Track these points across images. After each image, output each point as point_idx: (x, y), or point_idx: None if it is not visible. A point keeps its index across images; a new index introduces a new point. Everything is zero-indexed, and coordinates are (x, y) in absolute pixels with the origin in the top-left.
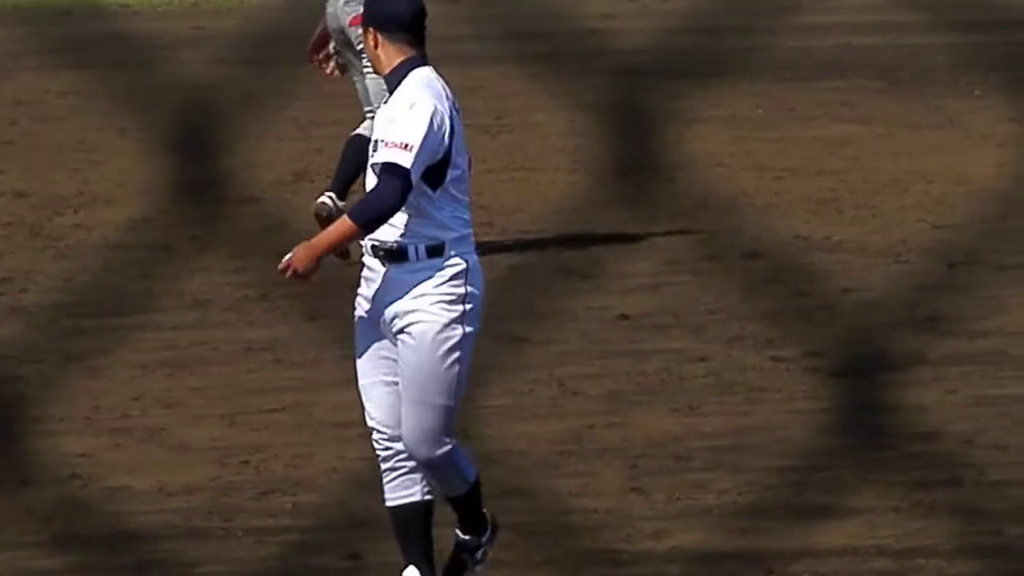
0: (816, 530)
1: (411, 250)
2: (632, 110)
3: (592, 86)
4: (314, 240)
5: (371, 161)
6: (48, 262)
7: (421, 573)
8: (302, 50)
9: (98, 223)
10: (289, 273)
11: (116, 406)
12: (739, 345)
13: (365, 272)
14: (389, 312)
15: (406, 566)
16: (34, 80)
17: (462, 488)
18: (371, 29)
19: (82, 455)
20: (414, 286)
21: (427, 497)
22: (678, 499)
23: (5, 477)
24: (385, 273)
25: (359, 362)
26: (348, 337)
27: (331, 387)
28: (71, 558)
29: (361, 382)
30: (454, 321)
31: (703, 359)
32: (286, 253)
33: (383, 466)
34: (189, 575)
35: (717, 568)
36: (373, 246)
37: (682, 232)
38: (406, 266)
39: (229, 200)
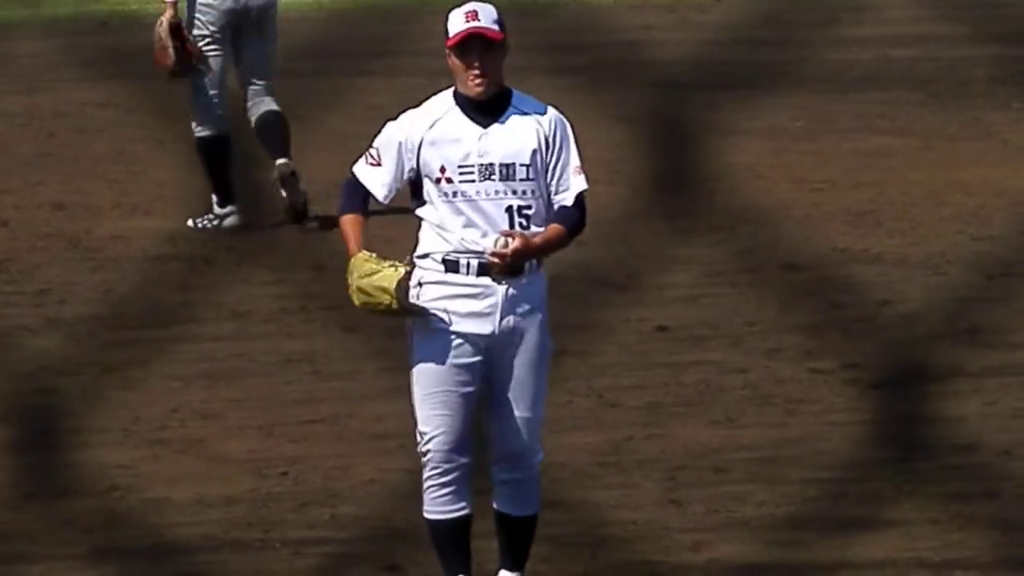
0: (854, 542)
1: (526, 264)
2: (670, 122)
3: (630, 98)
4: (534, 239)
5: (564, 190)
6: (87, 273)
7: None
8: (340, 63)
9: (137, 234)
10: (504, 260)
11: (154, 418)
12: (777, 357)
13: (455, 289)
14: (503, 325)
15: None
16: (72, 92)
17: (535, 506)
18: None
19: (121, 467)
20: (527, 299)
21: (470, 512)
22: (716, 511)
23: (44, 488)
24: (498, 288)
25: (432, 376)
26: (387, 349)
27: (369, 399)
28: (110, 570)
29: (429, 397)
30: (549, 330)
31: (741, 371)
32: (324, 265)
33: (435, 480)
34: None
35: None
36: (481, 263)
37: (720, 244)
38: (520, 280)
39: (268, 212)
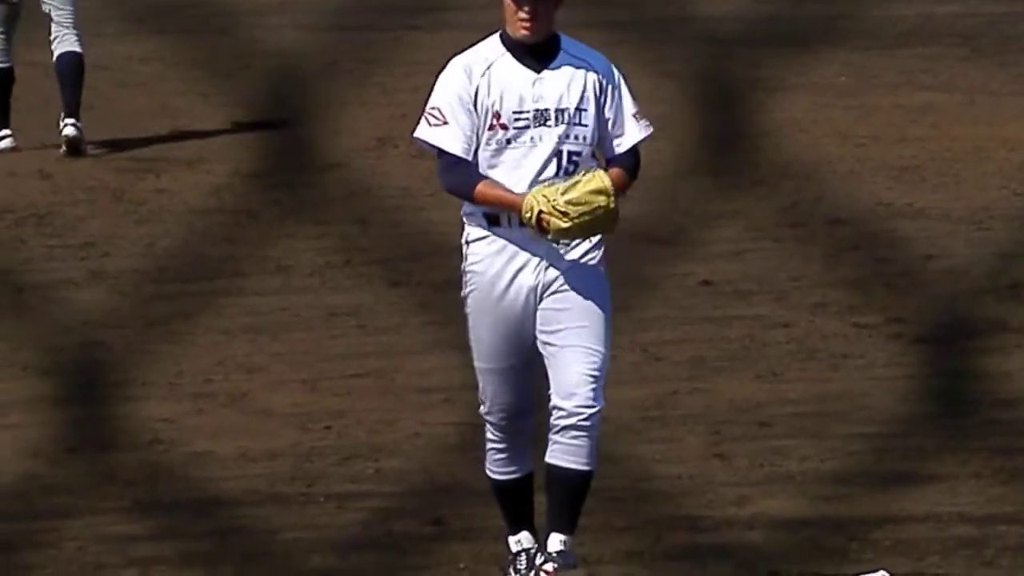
0: (898, 497)
1: None
2: (715, 78)
3: (675, 54)
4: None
5: (619, 135)
6: (130, 227)
7: (535, 537)
8: (385, 18)
9: (181, 188)
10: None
11: (198, 371)
12: (822, 312)
13: (500, 244)
14: (551, 272)
15: (517, 531)
16: (115, 46)
17: (592, 461)
18: None
19: (164, 420)
20: (582, 250)
21: (531, 471)
22: (760, 466)
23: (87, 442)
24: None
25: (489, 344)
26: (431, 303)
27: (414, 353)
28: (153, 523)
29: (488, 366)
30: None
31: (786, 325)
32: (369, 219)
33: (497, 444)
34: (271, 541)
35: (799, 535)
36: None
37: (765, 199)
38: None
39: (312, 166)
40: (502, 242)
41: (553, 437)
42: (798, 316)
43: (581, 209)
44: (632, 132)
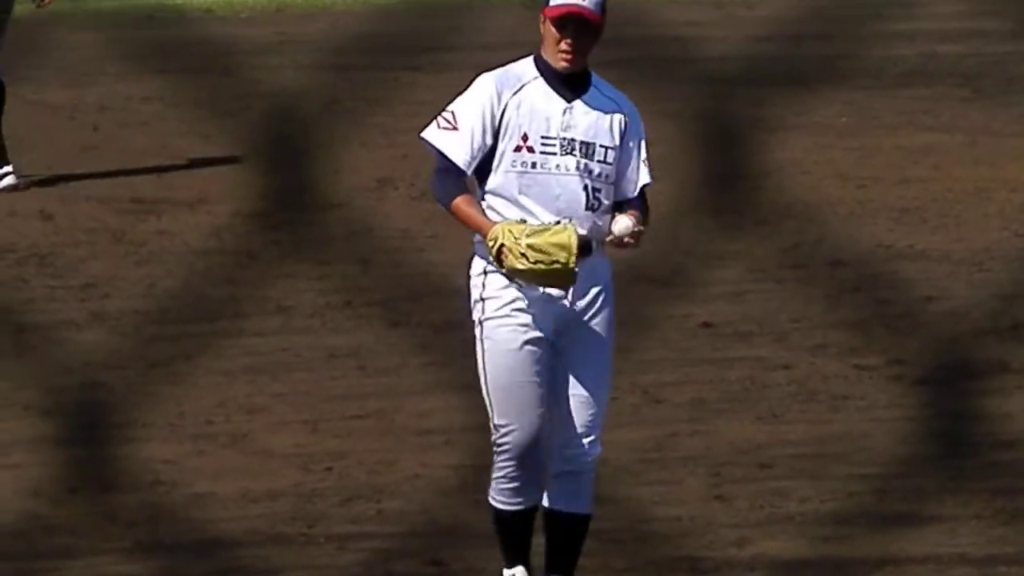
0: (898, 538)
1: (594, 243)
2: (716, 118)
3: (676, 93)
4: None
5: (632, 180)
6: (131, 268)
7: (530, 573)
8: (386, 58)
9: (181, 229)
10: (636, 239)
11: (199, 412)
12: (822, 353)
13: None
14: (573, 305)
15: (513, 565)
16: (117, 86)
17: (589, 505)
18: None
19: (165, 461)
20: (595, 278)
21: (536, 503)
22: (760, 507)
23: (89, 482)
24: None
25: (506, 367)
26: (432, 344)
27: (414, 393)
28: (154, 564)
29: (504, 389)
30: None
31: (786, 367)
32: (369, 259)
33: (509, 472)
34: None
35: None
36: None
37: (766, 240)
38: (589, 259)
39: (313, 206)
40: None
41: (553, 482)
42: (799, 358)
43: (539, 257)
44: (643, 177)
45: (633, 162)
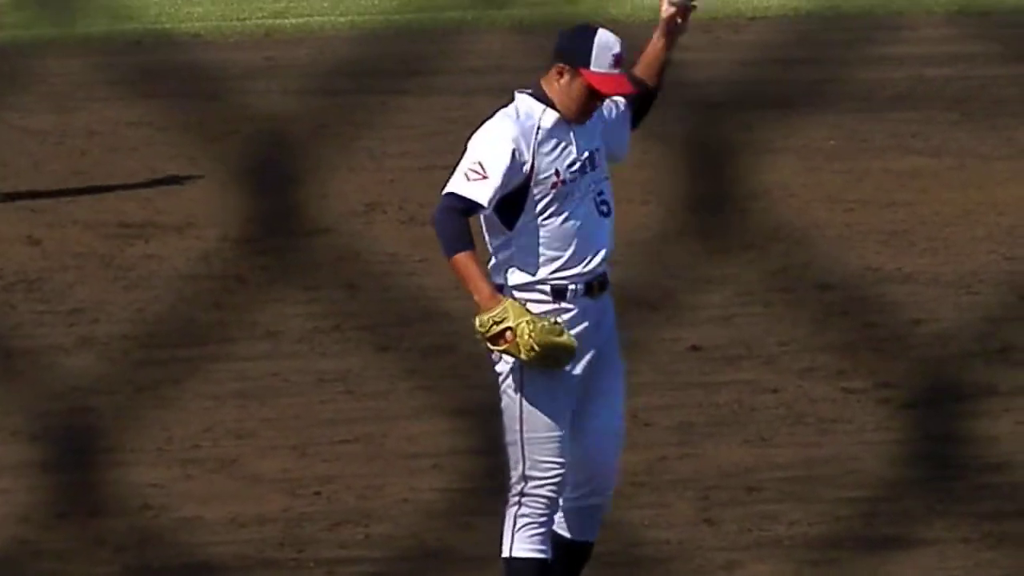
0: (886, 561)
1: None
2: (704, 141)
3: (664, 117)
4: None
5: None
6: (119, 292)
7: None
8: (373, 82)
9: (169, 253)
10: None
11: (188, 437)
12: (810, 376)
13: (565, 315)
14: (602, 342)
15: None
16: (105, 111)
17: (597, 533)
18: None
19: (154, 485)
20: (611, 313)
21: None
22: (749, 530)
23: (77, 507)
24: (594, 305)
25: (545, 418)
26: (420, 368)
27: (403, 418)
28: None
29: (542, 441)
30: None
31: (774, 390)
32: (358, 284)
33: (537, 520)
34: None
35: None
36: (588, 283)
37: (754, 263)
38: (605, 294)
39: (301, 231)
40: (567, 314)
41: (571, 514)
42: (787, 381)
43: (542, 352)
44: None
45: (615, 121)
